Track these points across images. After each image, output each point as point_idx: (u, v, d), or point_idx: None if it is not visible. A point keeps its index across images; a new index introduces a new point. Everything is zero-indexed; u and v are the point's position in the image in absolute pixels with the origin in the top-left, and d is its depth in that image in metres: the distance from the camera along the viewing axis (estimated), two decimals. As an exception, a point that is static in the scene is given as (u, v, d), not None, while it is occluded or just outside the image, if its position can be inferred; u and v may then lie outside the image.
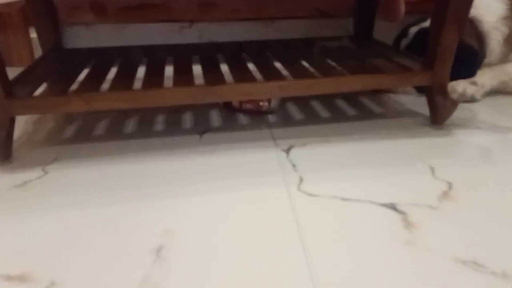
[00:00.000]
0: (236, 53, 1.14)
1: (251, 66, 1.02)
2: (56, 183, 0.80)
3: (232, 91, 0.90)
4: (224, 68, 1.00)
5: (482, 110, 1.11)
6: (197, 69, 1.00)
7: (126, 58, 1.12)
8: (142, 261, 0.61)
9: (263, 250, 0.63)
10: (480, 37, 1.20)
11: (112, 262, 0.61)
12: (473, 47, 1.17)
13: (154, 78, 0.94)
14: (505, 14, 1.20)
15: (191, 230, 0.67)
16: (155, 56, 1.12)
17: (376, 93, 1.24)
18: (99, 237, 0.66)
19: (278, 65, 1.03)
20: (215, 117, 1.10)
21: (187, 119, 1.08)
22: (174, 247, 0.63)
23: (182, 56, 1.11)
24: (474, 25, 1.20)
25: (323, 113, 1.11)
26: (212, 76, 0.94)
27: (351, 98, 1.21)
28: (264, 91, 0.92)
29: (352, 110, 1.13)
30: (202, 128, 1.03)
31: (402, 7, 1.28)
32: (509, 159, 0.87)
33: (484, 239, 0.64)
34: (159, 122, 1.07)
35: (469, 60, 1.17)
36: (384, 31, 1.33)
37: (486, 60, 1.21)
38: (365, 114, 1.10)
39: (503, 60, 1.22)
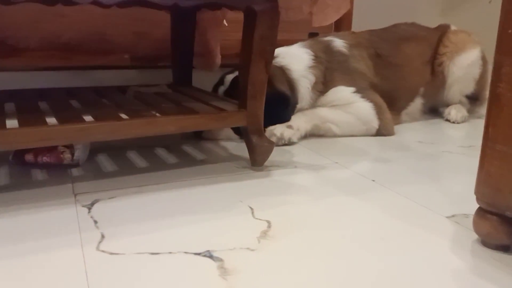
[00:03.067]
0: (32, 100, 0.97)
1: (49, 112, 0.87)
2: None
3: (16, 137, 0.73)
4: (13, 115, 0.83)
5: (300, 151, 1.14)
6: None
7: None
8: None
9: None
10: (291, 84, 1.26)
11: None
12: (285, 93, 1.22)
13: None
14: (311, 64, 1.30)
15: None
16: None
17: (199, 140, 1.19)
18: None
19: (83, 111, 0.89)
20: (1, 175, 0.89)
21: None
22: None
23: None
24: (285, 73, 1.26)
25: (140, 163, 1.00)
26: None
27: (173, 146, 1.13)
28: (60, 136, 0.77)
29: (172, 158, 1.04)
30: (-21, 188, 0.82)
31: (218, 59, 1.30)
32: (324, 193, 0.87)
33: (302, 277, 0.59)
34: None
35: (282, 105, 1.21)
36: (204, 80, 1.31)
37: (298, 106, 1.28)
38: (186, 161, 1.03)
39: (313, 105, 1.30)
